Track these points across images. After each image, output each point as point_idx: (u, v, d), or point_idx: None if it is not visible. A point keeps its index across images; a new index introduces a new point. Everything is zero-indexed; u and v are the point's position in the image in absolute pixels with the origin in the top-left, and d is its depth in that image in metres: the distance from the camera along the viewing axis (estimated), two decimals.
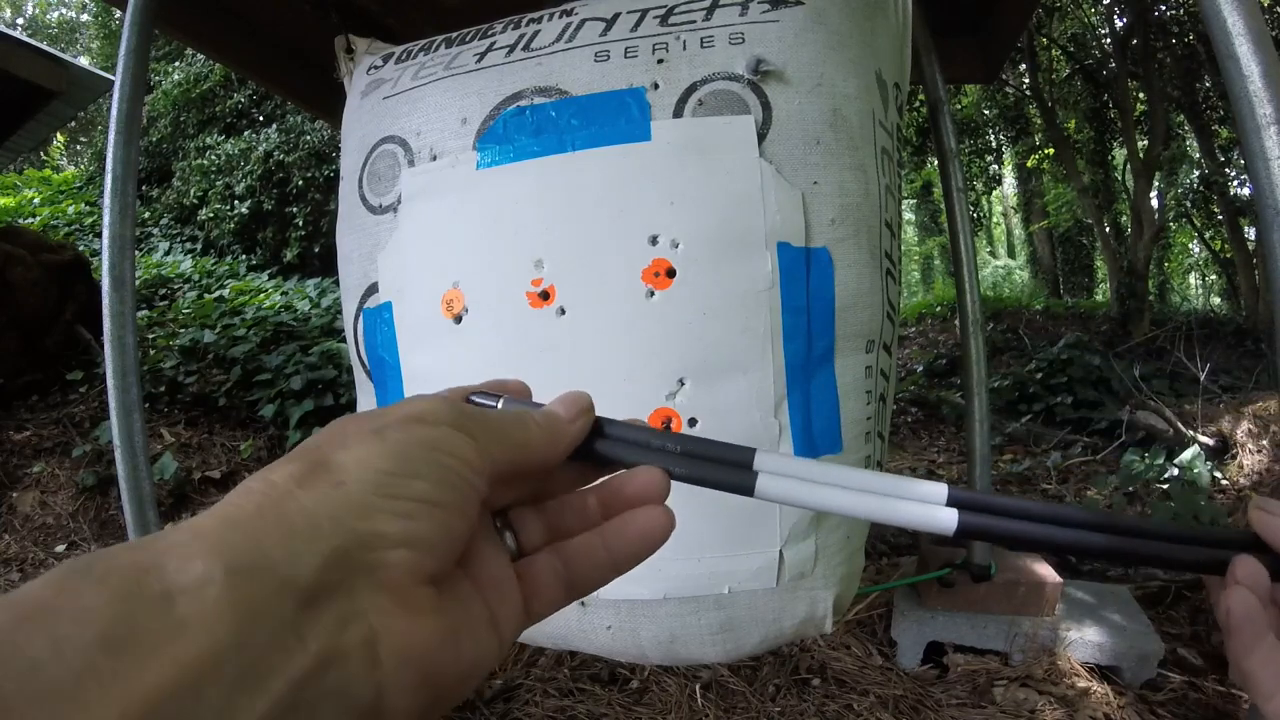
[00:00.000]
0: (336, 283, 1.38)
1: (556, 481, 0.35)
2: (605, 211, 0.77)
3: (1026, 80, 8.87)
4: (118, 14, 1.89)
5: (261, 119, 6.91)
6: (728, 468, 0.35)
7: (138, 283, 3.45)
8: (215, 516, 0.22)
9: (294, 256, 6.29)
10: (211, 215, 6.51)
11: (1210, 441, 2.81)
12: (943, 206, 1.86)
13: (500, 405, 0.35)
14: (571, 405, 0.34)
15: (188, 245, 6.56)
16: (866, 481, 0.35)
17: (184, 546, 0.20)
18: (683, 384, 0.76)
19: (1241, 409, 2.94)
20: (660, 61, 0.80)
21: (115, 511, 2.33)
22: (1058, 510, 0.35)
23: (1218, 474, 2.58)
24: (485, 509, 0.31)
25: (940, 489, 0.34)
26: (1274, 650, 0.32)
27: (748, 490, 0.34)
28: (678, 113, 0.78)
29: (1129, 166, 8.21)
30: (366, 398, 0.97)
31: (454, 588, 0.28)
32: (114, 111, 1.08)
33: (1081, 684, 1.32)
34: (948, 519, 0.33)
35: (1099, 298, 10.84)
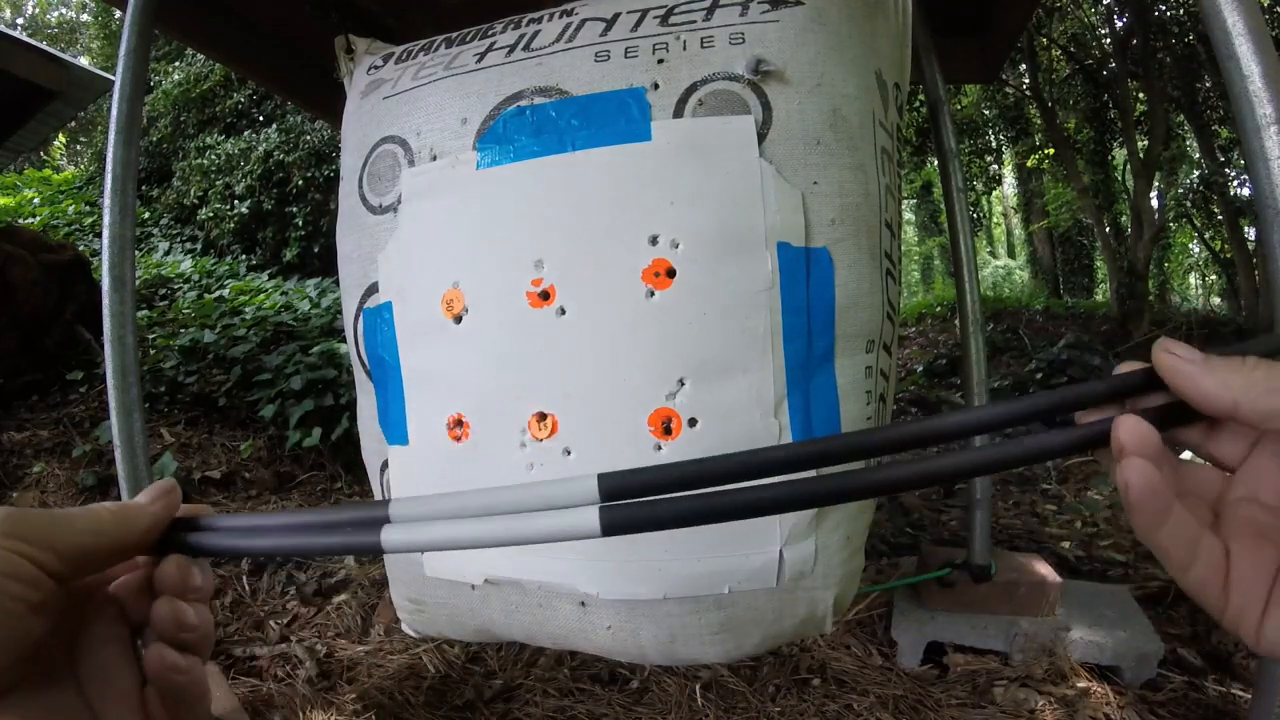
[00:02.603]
0: (336, 283, 1.38)
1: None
2: (605, 211, 0.77)
3: (1026, 80, 8.87)
4: (118, 14, 1.89)
5: (261, 119, 6.91)
6: (355, 529, 0.34)
7: (138, 283, 3.45)
8: None
9: (294, 256, 6.29)
10: (211, 215, 6.51)
11: None
12: (943, 206, 1.86)
13: None
14: (152, 490, 0.35)
15: (188, 245, 6.56)
16: (508, 499, 0.33)
17: None
18: (683, 384, 0.76)
19: None
20: (660, 61, 0.80)
21: None
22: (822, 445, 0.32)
23: None
24: (124, 625, 0.33)
25: (589, 484, 0.32)
26: (1181, 520, 0.30)
27: (374, 548, 0.33)
28: (678, 113, 0.78)
29: (1129, 166, 8.21)
30: (366, 398, 0.97)
31: (49, 694, 0.29)
32: (114, 111, 1.08)
33: (1081, 684, 1.32)
34: (590, 522, 0.31)
35: (1099, 298, 10.85)
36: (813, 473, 0.34)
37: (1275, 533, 0.30)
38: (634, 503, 0.32)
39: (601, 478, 0.32)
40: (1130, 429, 0.30)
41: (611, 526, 0.31)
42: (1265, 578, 0.29)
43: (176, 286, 4.86)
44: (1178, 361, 0.31)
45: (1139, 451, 0.30)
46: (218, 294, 4.38)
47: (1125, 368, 0.34)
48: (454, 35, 0.96)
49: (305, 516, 0.34)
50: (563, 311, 0.78)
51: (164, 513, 0.34)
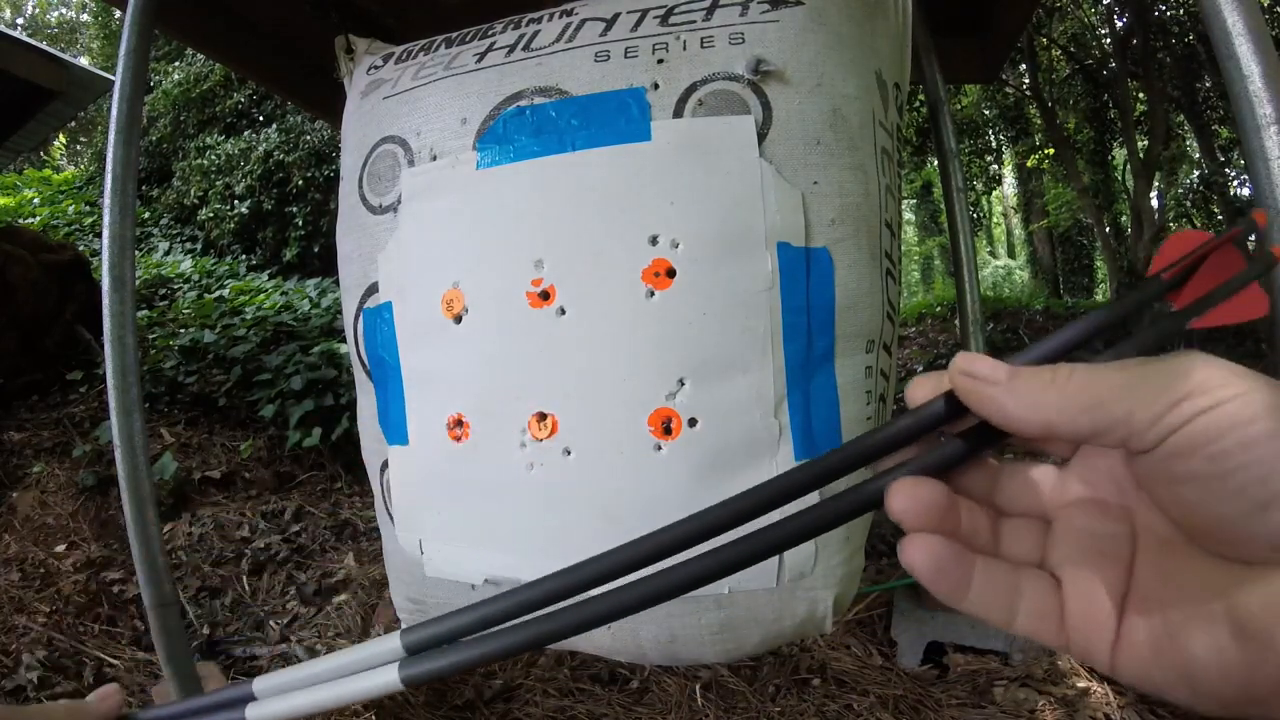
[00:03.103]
0: (336, 283, 1.38)
1: None
2: (605, 211, 0.77)
3: (1026, 80, 8.87)
4: (118, 14, 1.89)
5: (261, 119, 6.91)
6: (223, 709, 0.37)
7: (138, 283, 3.45)
8: None
9: (294, 256, 6.29)
10: (211, 215, 6.51)
11: None
12: (943, 206, 1.87)
13: None
14: (98, 692, 0.39)
15: (188, 245, 6.56)
16: (336, 664, 0.36)
17: None
18: (683, 384, 0.76)
19: None
20: (660, 61, 0.80)
21: (115, 511, 2.33)
22: (572, 576, 0.33)
23: None
24: None
25: (392, 642, 0.35)
26: (988, 578, 0.26)
27: None
28: (678, 113, 0.78)
29: (1129, 166, 8.21)
30: (366, 398, 0.97)
31: None
32: (114, 111, 1.08)
33: (1081, 684, 1.32)
34: (389, 680, 0.34)
35: (1099, 298, 10.86)
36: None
37: (1118, 546, 0.26)
38: (434, 653, 0.34)
39: (404, 633, 0.35)
40: (904, 498, 0.26)
41: (411, 680, 0.34)
42: (1109, 605, 0.25)
43: (176, 286, 4.86)
44: (975, 385, 0.26)
45: (919, 522, 0.26)
46: (218, 294, 4.38)
47: (921, 390, 0.29)
48: (454, 35, 0.96)
49: (186, 704, 0.38)
50: (563, 311, 0.78)
51: (111, 712, 0.39)
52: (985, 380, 0.26)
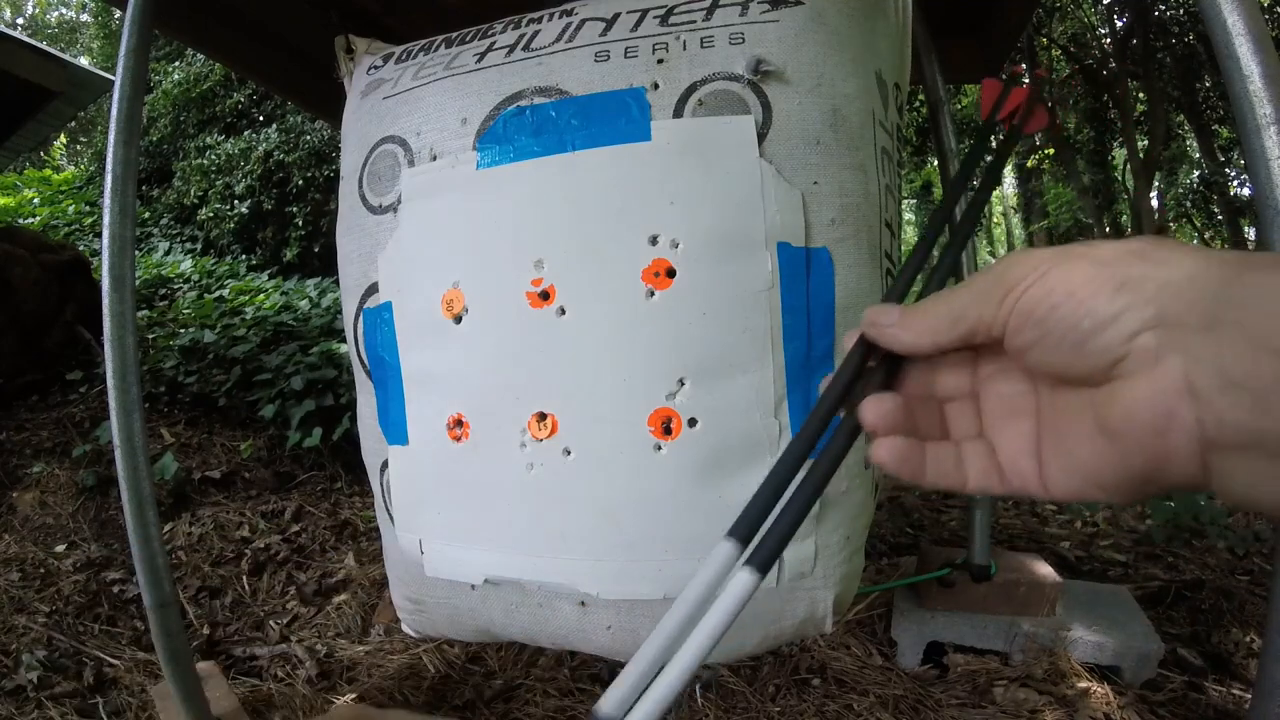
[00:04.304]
0: (336, 283, 1.38)
1: None
2: (605, 211, 0.77)
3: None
4: (118, 14, 1.89)
5: (261, 119, 6.91)
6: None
7: (138, 283, 3.45)
8: None
9: (294, 256, 6.28)
10: (211, 215, 6.50)
11: None
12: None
13: None
14: None
15: (188, 245, 6.55)
16: (671, 625, 0.38)
17: None
18: (683, 384, 0.76)
19: None
20: (660, 61, 0.80)
21: (115, 511, 2.33)
22: None
23: None
24: None
25: (718, 553, 0.37)
26: (937, 458, 0.34)
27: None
28: (678, 113, 0.78)
29: (1129, 166, 8.21)
30: (366, 398, 0.97)
31: None
32: (114, 111, 1.08)
33: (1081, 684, 1.32)
34: (747, 583, 0.37)
35: None
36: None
37: (1025, 401, 0.33)
38: (766, 535, 0.36)
39: (728, 534, 0.37)
40: (870, 412, 0.34)
41: (765, 565, 0.37)
42: (1029, 448, 0.33)
43: (176, 286, 4.85)
44: (876, 329, 0.35)
45: (886, 427, 0.33)
46: (218, 294, 4.37)
47: (850, 338, 0.38)
48: (454, 35, 0.96)
49: None
50: (563, 311, 0.78)
51: None
52: (883, 324, 0.34)
